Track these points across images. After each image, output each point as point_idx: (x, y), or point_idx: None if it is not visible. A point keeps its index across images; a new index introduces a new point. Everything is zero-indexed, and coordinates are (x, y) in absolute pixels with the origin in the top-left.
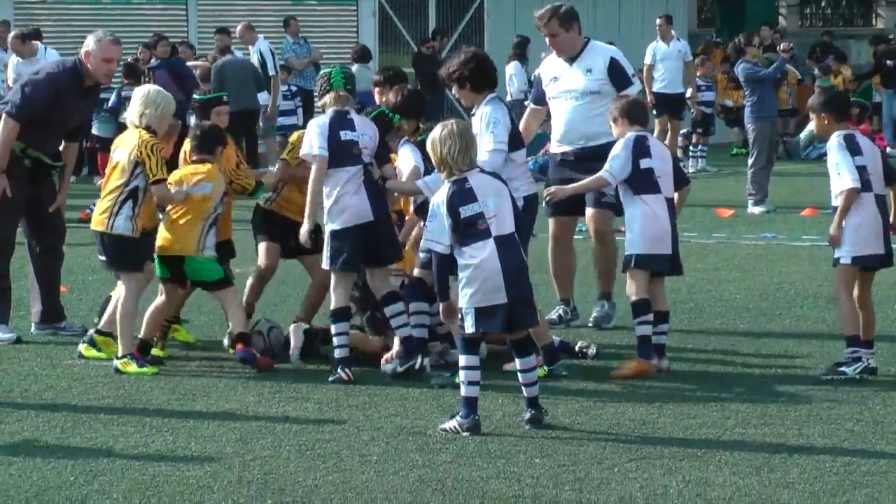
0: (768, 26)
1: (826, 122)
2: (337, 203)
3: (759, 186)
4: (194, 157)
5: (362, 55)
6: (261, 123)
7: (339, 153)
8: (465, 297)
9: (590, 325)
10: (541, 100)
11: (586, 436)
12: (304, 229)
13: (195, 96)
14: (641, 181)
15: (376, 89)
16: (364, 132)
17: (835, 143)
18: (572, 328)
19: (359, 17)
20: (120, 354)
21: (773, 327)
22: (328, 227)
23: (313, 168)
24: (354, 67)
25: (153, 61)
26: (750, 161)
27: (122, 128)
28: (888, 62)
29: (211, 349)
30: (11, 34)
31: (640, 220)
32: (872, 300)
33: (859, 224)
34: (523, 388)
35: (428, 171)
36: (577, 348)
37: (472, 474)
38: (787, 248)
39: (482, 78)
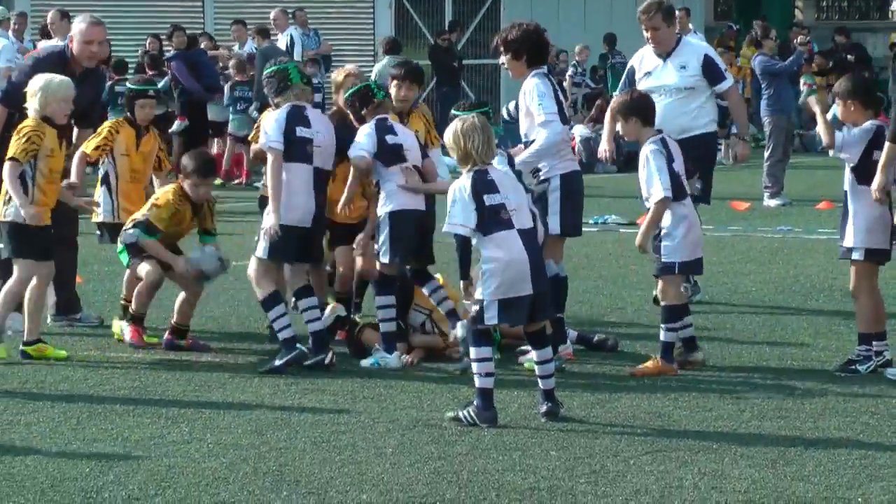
0: (763, 20)
1: (853, 108)
2: (287, 199)
3: (774, 179)
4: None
5: (393, 47)
6: None
7: (293, 148)
8: (487, 290)
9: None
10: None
11: (602, 428)
12: (271, 222)
13: (129, 85)
14: (677, 188)
15: (394, 82)
16: (319, 130)
17: (866, 130)
18: (587, 321)
19: (375, 9)
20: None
21: (789, 320)
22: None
23: (269, 160)
24: (385, 60)
25: (170, 52)
26: (766, 154)
27: None
28: (848, 56)
29: (226, 341)
30: (53, 10)
31: (683, 227)
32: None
33: (875, 219)
34: (539, 380)
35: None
36: (595, 340)
37: (488, 466)
38: (802, 241)
39: (539, 53)
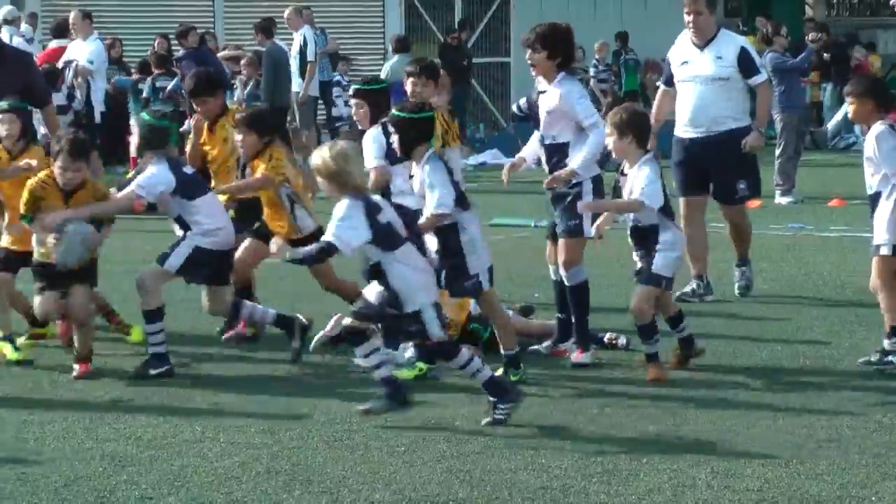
0: (765, 16)
1: (869, 108)
2: (213, 227)
3: (786, 177)
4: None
5: (403, 45)
6: (297, 115)
7: (191, 186)
8: (422, 302)
9: (737, 293)
10: (671, 81)
11: (614, 427)
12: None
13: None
14: (668, 208)
15: (409, 79)
16: (192, 171)
17: (883, 130)
18: (596, 319)
19: (385, 8)
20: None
21: (801, 318)
22: (196, 241)
23: (123, 199)
24: (395, 58)
25: (179, 51)
26: (777, 151)
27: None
28: (825, 55)
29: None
30: (75, 10)
31: (680, 245)
32: None
33: None
34: (476, 380)
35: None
36: (606, 339)
37: (501, 465)
38: (814, 238)
39: (572, 56)
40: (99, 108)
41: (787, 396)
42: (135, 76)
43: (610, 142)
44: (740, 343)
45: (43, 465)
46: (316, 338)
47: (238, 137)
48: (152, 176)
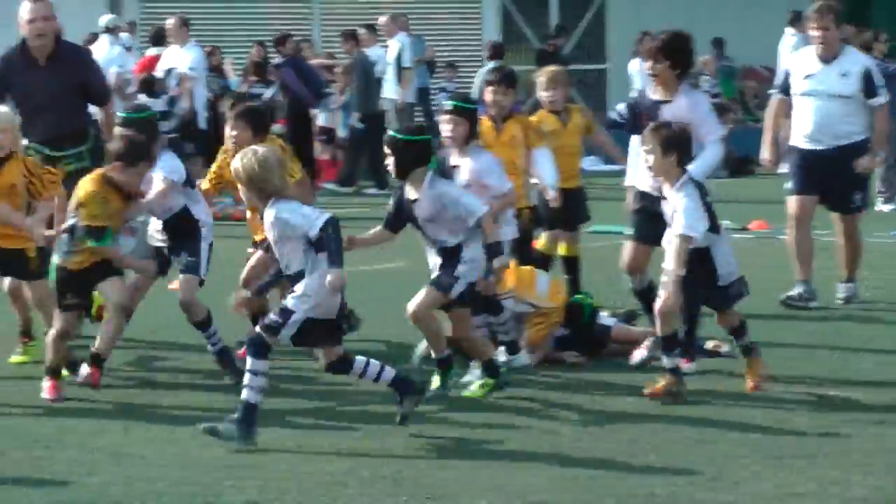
0: (859, 25)
1: None
2: (211, 217)
3: (888, 184)
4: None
5: (497, 52)
6: (394, 122)
7: (188, 175)
8: (304, 310)
9: (840, 303)
10: (788, 90)
11: (720, 436)
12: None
13: None
14: (714, 221)
15: (489, 88)
16: None
17: None
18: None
19: (483, 15)
20: None
21: None
22: (209, 238)
23: (160, 192)
24: (489, 65)
25: (276, 59)
26: None
27: None
28: None
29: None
30: (175, 16)
31: (733, 252)
32: None
33: None
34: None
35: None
36: (709, 347)
37: (605, 472)
38: None
39: (691, 65)
40: (203, 113)
41: (891, 406)
42: (249, 81)
43: (650, 158)
44: (843, 351)
45: (148, 470)
46: (417, 353)
47: (232, 133)
48: (168, 164)
